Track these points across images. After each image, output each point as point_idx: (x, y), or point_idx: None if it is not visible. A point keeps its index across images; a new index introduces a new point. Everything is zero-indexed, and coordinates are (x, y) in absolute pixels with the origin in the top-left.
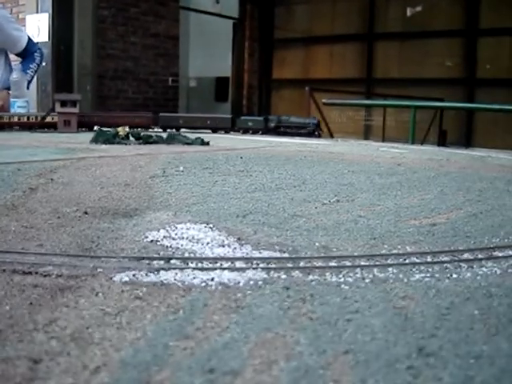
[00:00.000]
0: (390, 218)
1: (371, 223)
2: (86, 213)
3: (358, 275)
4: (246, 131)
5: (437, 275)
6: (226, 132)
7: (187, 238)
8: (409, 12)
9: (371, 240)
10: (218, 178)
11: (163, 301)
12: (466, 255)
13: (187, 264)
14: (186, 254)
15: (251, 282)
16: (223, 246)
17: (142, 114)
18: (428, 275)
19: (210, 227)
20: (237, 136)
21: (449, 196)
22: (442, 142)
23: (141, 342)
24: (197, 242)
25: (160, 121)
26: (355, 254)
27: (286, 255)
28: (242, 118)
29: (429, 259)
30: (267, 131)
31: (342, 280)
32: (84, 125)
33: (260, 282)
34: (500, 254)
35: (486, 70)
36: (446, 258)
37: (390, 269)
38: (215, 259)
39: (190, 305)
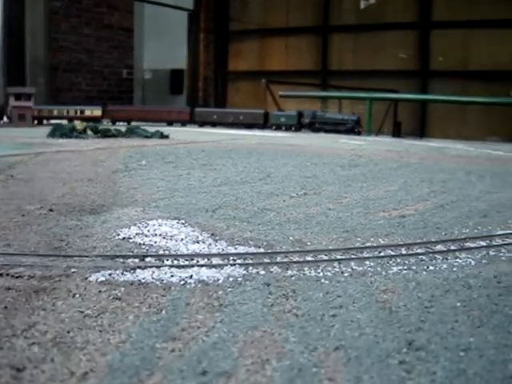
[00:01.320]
0: (359, 210)
1: (341, 216)
2: (51, 210)
3: (337, 269)
4: (278, 127)
5: (414, 267)
6: (259, 128)
7: (160, 235)
8: (363, 4)
9: (344, 233)
10: (183, 172)
11: (144, 301)
12: (439, 247)
13: (163, 262)
14: (161, 251)
15: (230, 279)
16: (198, 243)
17: (180, 109)
18: (405, 268)
19: (182, 223)
20: (200, 129)
21: (413, 187)
22: (396, 133)
23: (126, 345)
24: (170, 239)
25: (195, 116)
26: (330, 247)
27: (261, 250)
28: (275, 113)
29: (404, 251)
30: (301, 127)
31: (321, 274)
32: (119, 120)
33: (239, 279)
34: (472, 245)
35: (439, 62)
36: (420, 250)
37: (367, 262)
38: (191, 256)
39: (172, 304)
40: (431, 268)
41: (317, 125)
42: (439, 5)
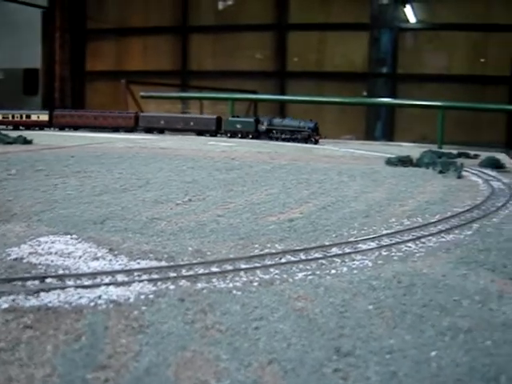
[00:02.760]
0: (248, 215)
1: (232, 222)
2: None
3: (244, 279)
4: (233, 134)
5: (317, 272)
6: (211, 135)
7: (56, 253)
8: (221, 6)
9: (240, 240)
10: (57, 181)
11: (58, 327)
12: (334, 249)
13: (66, 282)
14: (61, 271)
15: (142, 297)
16: (97, 259)
17: (126, 114)
18: (309, 273)
19: (75, 238)
20: (75, 133)
21: (292, 189)
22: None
23: (54, 379)
24: (68, 257)
25: (141, 121)
26: (231, 256)
27: (164, 263)
28: (230, 119)
29: (303, 257)
30: (258, 135)
31: (231, 285)
32: (67, 126)
33: (151, 296)
34: (364, 247)
35: (296, 63)
36: (318, 255)
37: (272, 269)
38: (94, 274)
39: (90, 329)
40: (333, 272)
41: (274, 132)
42: (295, 7)
